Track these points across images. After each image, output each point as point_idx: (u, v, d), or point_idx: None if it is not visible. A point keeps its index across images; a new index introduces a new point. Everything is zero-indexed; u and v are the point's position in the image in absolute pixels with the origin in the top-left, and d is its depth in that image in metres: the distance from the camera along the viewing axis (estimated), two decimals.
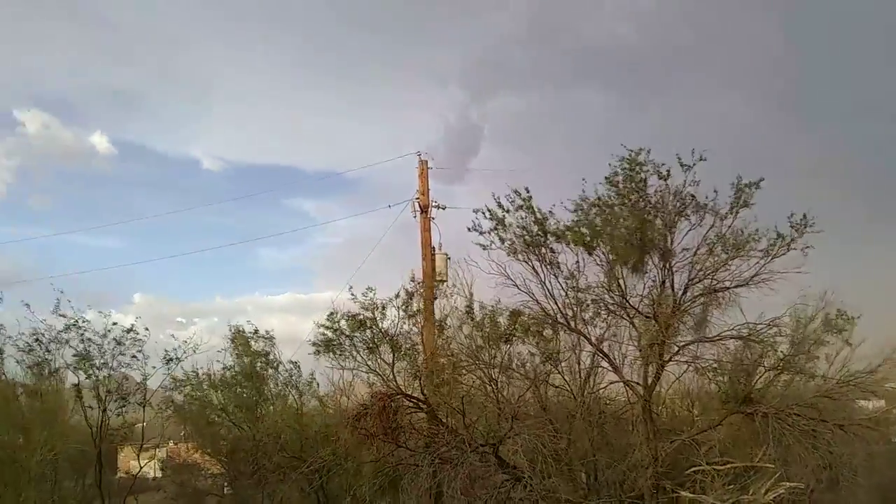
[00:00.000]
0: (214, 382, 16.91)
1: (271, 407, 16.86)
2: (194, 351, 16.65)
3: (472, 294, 12.98)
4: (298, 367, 16.82)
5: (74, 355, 14.79)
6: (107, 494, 15.25)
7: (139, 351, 15.97)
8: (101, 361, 15.41)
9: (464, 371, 12.03)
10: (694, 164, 10.72)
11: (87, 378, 15.06)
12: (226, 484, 17.77)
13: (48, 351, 14.49)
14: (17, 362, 14.17)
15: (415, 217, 16.38)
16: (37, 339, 14.34)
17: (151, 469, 18.90)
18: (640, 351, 11.24)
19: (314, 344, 14.13)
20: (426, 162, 16.71)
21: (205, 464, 18.39)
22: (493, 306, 12.51)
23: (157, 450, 18.97)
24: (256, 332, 17.27)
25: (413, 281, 14.43)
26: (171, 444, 20.92)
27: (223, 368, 16.91)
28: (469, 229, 12.40)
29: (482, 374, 11.86)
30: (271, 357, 17.22)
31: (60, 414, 11.59)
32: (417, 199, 16.39)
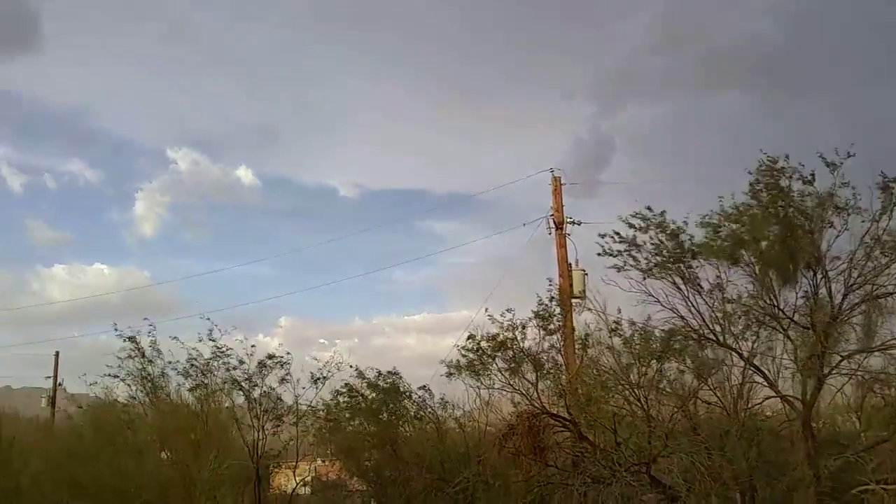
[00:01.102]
0: (353, 409, 17.33)
1: (410, 428, 17.06)
2: (338, 369, 17.09)
3: (619, 310, 12.79)
4: (430, 391, 16.93)
5: (225, 381, 15.65)
6: None
7: (287, 374, 16.69)
8: (253, 384, 16.23)
9: (611, 389, 11.83)
10: (841, 164, 10.24)
11: (243, 399, 15.93)
12: (372, 501, 18.15)
13: (204, 375, 15.42)
14: (179, 385, 15.23)
15: (549, 234, 16.35)
16: (192, 365, 15.27)
17: (301, 487, 19.55)
18: (798, 364, 10.74)
19: (450, 366, 14.31)
20: (559, 178, 16.68)
21: (351, 482, 18.85)
22: (643, 323, 12.28)
23: (308, 467, 19.60)
24: (380, 374, 17.43)
25: (551, 299, 14.38)
26: (319, 461, 21.58)
27: (359, 398, 17.31)
28: (599, 254, 12.35)
29: (631, 392, 11.64)
30: (402, 388, 17.36)
31: (223, 433, 12.24)
32: (552, 215, 16.36)
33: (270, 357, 16.64)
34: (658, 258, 11.76)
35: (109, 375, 13.47)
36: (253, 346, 16.51)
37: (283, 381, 16.77)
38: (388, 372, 17.15)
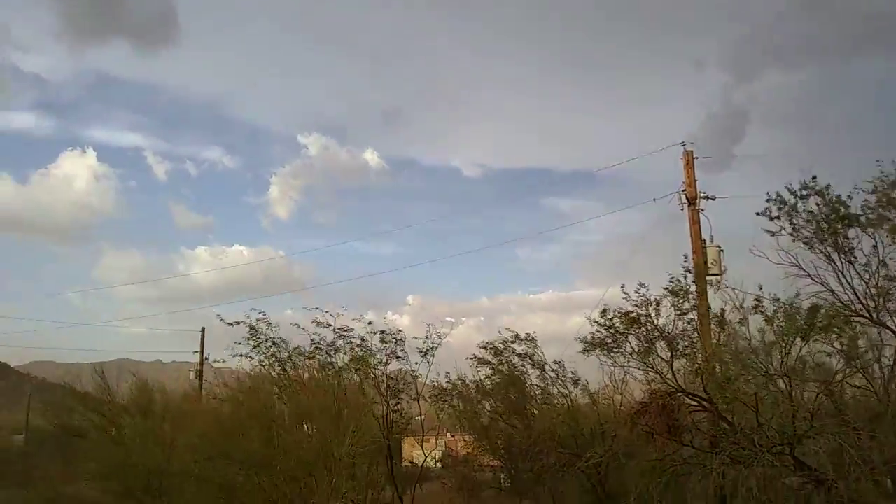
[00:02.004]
0: (483, 389, 17.51)
1: (543, 406, 17.08)
2: (440, 339, 17.24)
3: (760, 287, 12.28)
4: (563, 366, 16.89)
5: (351, 359, 16.13)
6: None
7: (402, 350, 17.04)
8: (377, 361, 16.67)
9: (751, 368, 11.41)
10: None
11: (366, 377, 16.38)
12: (504, 477, 18.35)
13: (329, 354, 15.94)
14: (311, 363, 15.76)
15: (682, 209, 15.88)
16: (317, 347, 15.80)
17: (431, 460, 19.98)
18: None
19: (584, 342, 14.16)
20: (691, 152, 16.16)
21: (482, 458, 19.10)
22: (788, 299, 11.74)
23: (438, 442, 20.00)
24: (517, 336, 17.46)
25: (686, 275, 13.97)
26: (448, 436, 21.96)
27: (486, 376, 17.44)
28: (758, 213, 11.86)
29: (773, 372, 11.18)
30: (536, 358, 17.39)
31: (358, 408, 12.63)
32: (684, 190, 15.88)
33: (390, 334, 17.03)
34: (815, 227, 11.25)
35: (244, 355, 14.13)
36: (370, 322, 16.85)
37: (398, 357, 17.13)
38: (527, 335, 17.29)
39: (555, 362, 16.88)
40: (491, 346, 17.33)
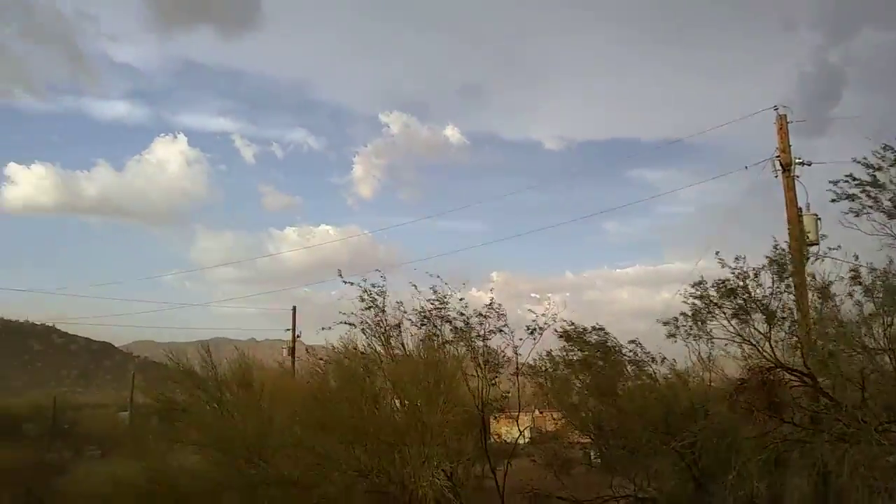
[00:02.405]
0: (571, 365, 17.35)
1: (629, 384, 16.84)
2: (553, 320, 17.11)
3: (856, 256, 11.80)
4: (640, 344, 16.52)
5: (451, 330, 16.18)
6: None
7: (504, 325, 16.97)
8: (476, 335, 16.67)
9: (854, 342, 10.97)
10: None
11: (465, 350, 16.42)
12: (594, 454, 18.25)
13: (435, 326, 16.00)
14: (411, 336, 15.91)
15: (775, 177, 15.36)
16: (425, 317, 15.90)
17: (521, 436, 20.02)
18: None
19: (668, 322, 13.88)
20: (785, 116, 15.57)
21: (571, 434, 19.03)
22: (885, 269, 11.25)
23: (528, 418, 20.00)
24: (585, 329, 17.19)
25: (778, 246, 13.50)
26: (536, 412, 21.96)
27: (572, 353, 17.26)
28: (833, 200, 11.44)
29: (876, 346, 10.73)
30: (609, 344, 17.08)
31: (451, 381, 12.77)
32: (777, 157, 15.35)
33: (489, 307, 16.98)
34: None
35: (347, 323, 14.33)
36: (461, 299, 16.84)
37: (499, 331, 17.06)
38: (593, 327, 17.07)
39: (630, 342, 16.58)
40: (565, 334, 17.15)
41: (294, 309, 40.80)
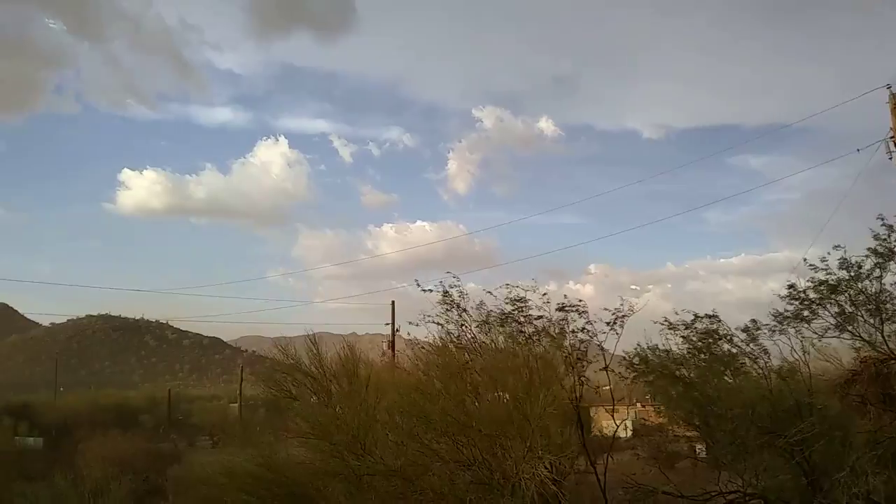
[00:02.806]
0: (676, 358, 17.01)
1: (737, 378, 16.38)
2: (631, 311, 16.78)
3: None
4: (752, 334, 16.02)
5: (538, 330, 16.13)
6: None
7: (587, 322, 16.78)
8: (559, 330, 16.56)
9: None
10: None
11: (554, 347, 16.35)
12: (700, 448, 17.86)
13: (519, 323, 16.02)
14: (499, 332, 15.96)
15: (890, 158, 14.67)
16: (507, 315, 15.92)
17: (623, 430, 19.81)
18: None
19: (775, 316, 13.44)
20: None
21: (676, 427, 18.69)
22: None
23: (628, 411, 19.76)
24: (696, 317, 16.77)
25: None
26: (638, 406, 21.67)
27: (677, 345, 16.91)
28: None
29: None
30: (721, 331, 16.64)
31: (548, 376, 12.78)
32: (892, 137, 14.67)
33: (569, 305, 16.84)
34: None
35: (436, 323, 14.59)
36: (544, 294, 16.70)
37: (583, 330, 16.90)
38: (707, 315, 16.62)
39: (743, 331, 16.12)
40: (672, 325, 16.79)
41: (393, 304, 41.78)
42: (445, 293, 14.74)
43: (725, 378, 16.40)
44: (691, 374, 16.76)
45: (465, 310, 14.26)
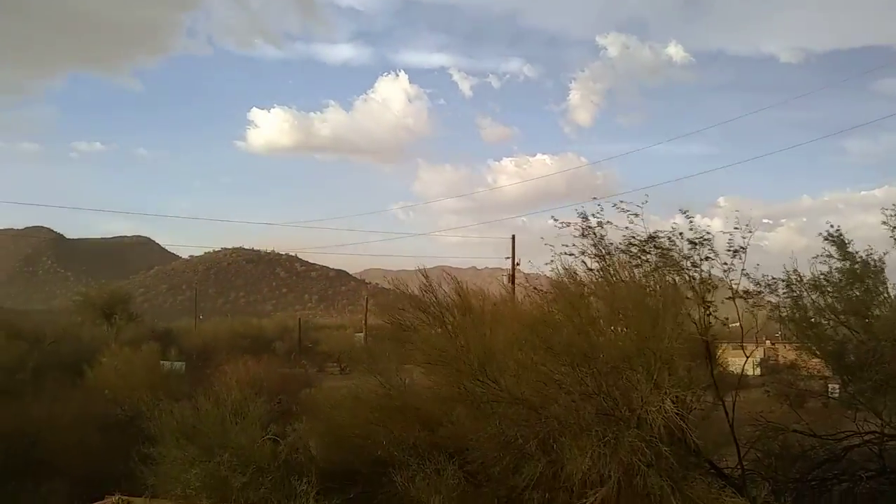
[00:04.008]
0: (816, 284, 16.25)
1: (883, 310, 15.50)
2: (751, 232, 15.96)
3: None
4: None
5: (663, 259, 15.61)
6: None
7: (710, 250, 16.08)
8: (690, 262, 15.96)
9: None
10: None
11: (679, 278, 15.83)
12: (833, 387, 17.14)
13: (645, 252, 15.53)
14: (628, 262, 15.53)
15: None
16: (630, 244, 15.44)
17: (751, 367, 19.21)
18: None
19: None
20: None
21: (808, 364, 17.95)
22: None
23: (756, 347, 19.09)
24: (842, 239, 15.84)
25: None
26: (767, 343, 20.93)
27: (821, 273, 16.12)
28: None
29: None
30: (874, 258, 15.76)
31: (674, 308, 12.41)
32: None
33: (701, 238, 16.18)
34: None
35: (566, 254, 14.34)
36: (674, 225, 16.05)
37: (706, 259, 16.25)
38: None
39: None
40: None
41: (513, 238, 41.85)
42: (584, 217, 14.34)
43: (874, 310, 15.63)
44: (834, 303, 16.00)
45: (603, 237, 13.91)
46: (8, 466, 22.51)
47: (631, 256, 15.08)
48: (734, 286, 16.99)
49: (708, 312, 16.84)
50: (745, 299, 16.98)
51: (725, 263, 16.23)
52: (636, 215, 14.56)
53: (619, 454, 10.29)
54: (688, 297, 15.46)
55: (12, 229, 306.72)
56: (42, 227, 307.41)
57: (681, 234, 15.29)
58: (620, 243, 15.59)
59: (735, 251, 16.47)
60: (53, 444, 22.17)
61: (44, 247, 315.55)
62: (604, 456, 10.24)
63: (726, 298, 17.06)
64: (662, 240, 15.99)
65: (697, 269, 16.24)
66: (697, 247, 16.68)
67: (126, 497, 12.55)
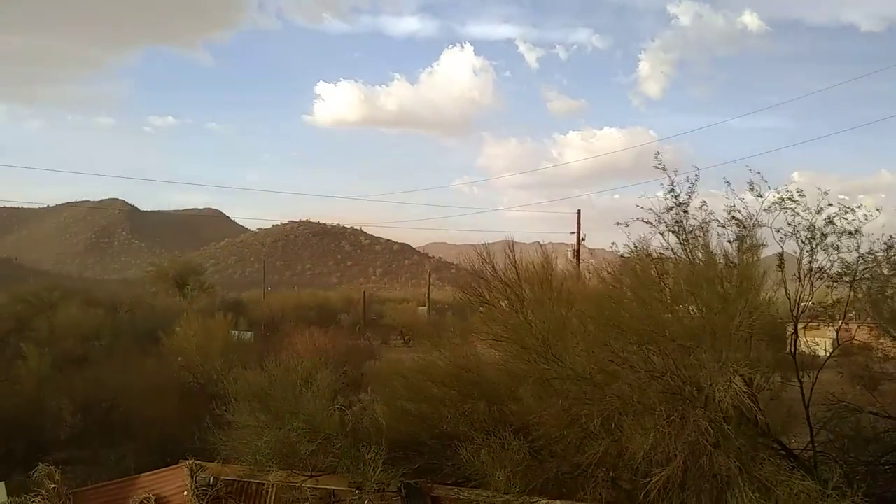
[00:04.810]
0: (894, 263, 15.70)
1: None
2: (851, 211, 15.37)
3: None
4: None
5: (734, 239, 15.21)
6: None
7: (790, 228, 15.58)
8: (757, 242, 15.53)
9: None
10: None
11: (750, 257, 15.43)
12: None
13: (745, 228, 15.07)
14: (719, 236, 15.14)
15: None
16: (733, 217, 15.01)
17: (823, 348, 18.74)
18: None
19: None
20: None
21: (882, 346, 17.43)
22: None
23: (830, 327, 18.57)
24: None
25: None
26: (840, 323, 20.33)
27: None
28: None
29: None
30: None
31: (754, 286, 12.18)
32: None
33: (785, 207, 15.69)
34: None
35: (646, 222, 13.97)
36: (760, 197, 15.53)
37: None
38: None
39: None
40: None
41: (579, 212, 41.45)
42: (672, 190, 14.03)
43: None
44: None
45: (685, 211, 13.63)
46: (88, 430, 23.62)
47: (706, 234, 14.80)
48: (810, 264, 16.56)
49: (799, 292, 16.44)
50: (821, 278, 16.55)
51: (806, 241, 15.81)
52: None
53: (684, 434, 10.22)
54: (760, 279, 15.18)
55: (88, 201, 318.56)
56: (117, 199, 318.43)
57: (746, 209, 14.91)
58: (697, 221, 15.30)
59: (851, 233, 15.79)
60: (129, 410, 23.12)
61: (119, 219, 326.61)
62: (669, 435, 10.19)
63: (796, 280, 16.64)
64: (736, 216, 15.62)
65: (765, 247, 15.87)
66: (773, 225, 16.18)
67: (200, 462, 13.00)
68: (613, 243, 15.27)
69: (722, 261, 12.42)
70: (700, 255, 12.54)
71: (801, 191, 14.60)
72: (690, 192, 14.36)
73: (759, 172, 14.32)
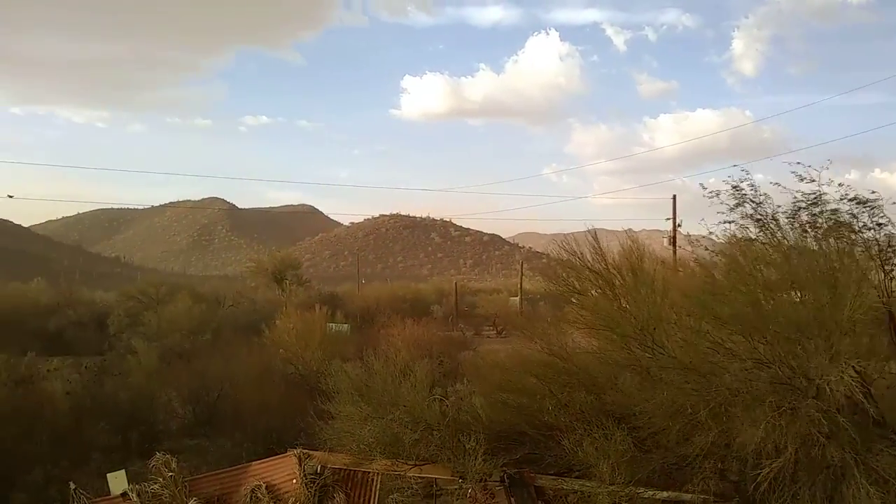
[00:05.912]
0: None
1: None
2: None
3: None
4: None
5: (832, 224, 14.53)
6: None
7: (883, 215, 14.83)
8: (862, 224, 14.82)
9: None
10: None
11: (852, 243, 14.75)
12: None
13: (814, 215, 14.52)
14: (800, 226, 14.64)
15: None
16: (800, 208, 14.46)
17: None
18: None
19: None
20: None
21: None
22: None
23: None
24: None
25: None
26: None
27: None
28: None
29: None
30: None
31: (856, 273, 11.70)
32: None
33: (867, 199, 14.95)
34: None
35: (725, 222, 13.71)
36: (840, 184, 14.85)
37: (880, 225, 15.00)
38: None
39: None
40: None
41: (674, 198, 40.47)
42: (736, 187, 13.76)
43: None
44: None
45: (759, 203, 13.26)
46: (197, 421, 24.69)
47: (799, 222, 14.23)
48: None
49: (890, 278, 15.69)
50: None
51: None
52: (811, 179, 13.69)
53: (795, 425, 9.95)
54: (870, 266, 14.50)
55: (190, 200, 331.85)
56: (216, 198, 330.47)
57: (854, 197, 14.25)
58: (787, 207, 14.74)
59: None
60: (236, 401, 23.99)
61: (218, 217, 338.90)
62: (779, 426, 9.93)
63: None
64: (833, 203, 14.92)
65: (876, 231, 15.11)
66: (871, 208, 15.39)
67: (307, 451, 13.44)
68: (710, 231, 14.93)
69: (824, 248, 11.94)
70: (811, 242, 12.09)
71: None
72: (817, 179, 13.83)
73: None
